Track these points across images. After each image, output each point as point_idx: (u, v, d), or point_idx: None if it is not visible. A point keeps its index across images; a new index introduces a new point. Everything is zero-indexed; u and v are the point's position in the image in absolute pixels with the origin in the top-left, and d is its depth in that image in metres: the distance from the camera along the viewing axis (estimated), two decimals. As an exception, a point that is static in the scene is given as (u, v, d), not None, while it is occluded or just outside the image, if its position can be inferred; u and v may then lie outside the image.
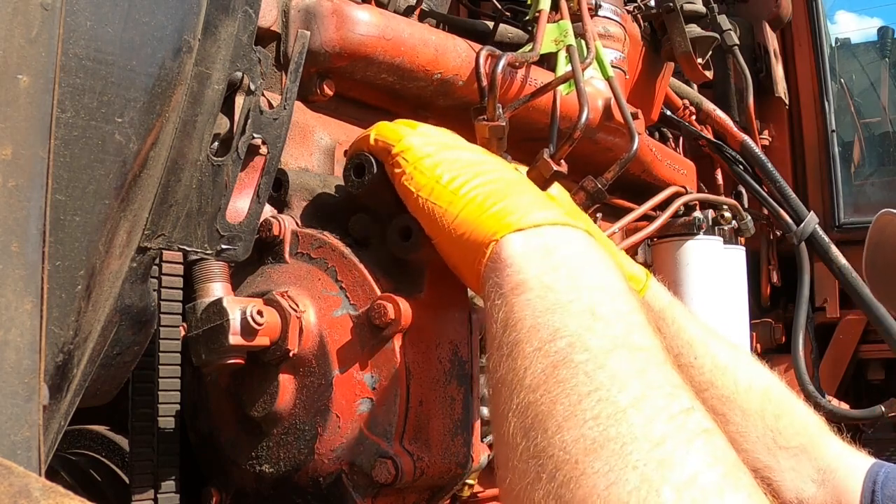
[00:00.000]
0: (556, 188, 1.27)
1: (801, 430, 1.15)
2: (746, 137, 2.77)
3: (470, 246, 0.83)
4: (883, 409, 2.57)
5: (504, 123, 1.26)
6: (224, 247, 0.83)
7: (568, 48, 1.47)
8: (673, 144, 2.60)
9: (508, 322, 0.75)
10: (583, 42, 1.54)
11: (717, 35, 2.29)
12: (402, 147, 0.90)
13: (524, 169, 1.22)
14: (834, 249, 2.68)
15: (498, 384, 0.74)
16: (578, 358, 0.69)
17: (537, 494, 0.64)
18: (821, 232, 2.72)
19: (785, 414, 1.16)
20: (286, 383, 0.99)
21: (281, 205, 1.06)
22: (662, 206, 1.98)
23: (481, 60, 1.32)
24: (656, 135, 2.47)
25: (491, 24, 1.69)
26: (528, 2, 1.62)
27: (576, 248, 0.80)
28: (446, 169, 0.87)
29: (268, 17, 1.13)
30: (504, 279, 0.78)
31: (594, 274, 0.77)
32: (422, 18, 1.50)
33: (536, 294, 0.75)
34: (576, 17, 1.57)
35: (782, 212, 2.73)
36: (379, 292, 0.96)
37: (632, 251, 1.94)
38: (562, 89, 1.46)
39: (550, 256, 0.78)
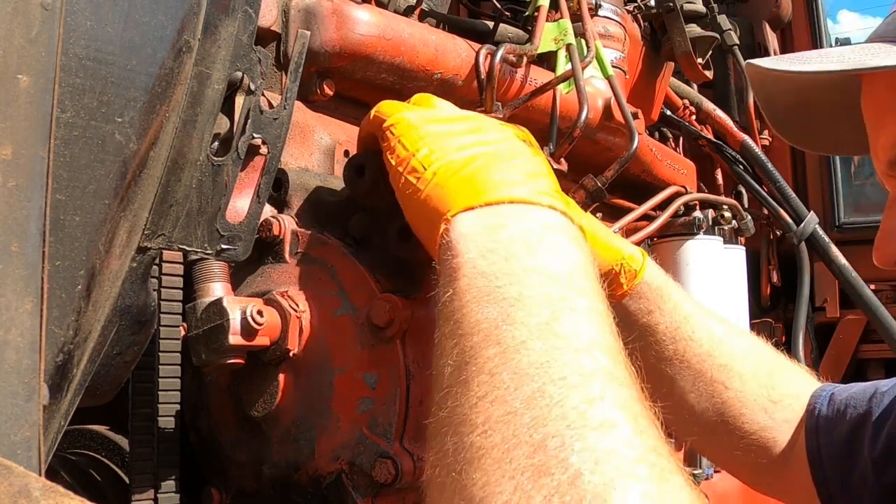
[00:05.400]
0: None
1: (792, 379, 1.18)
2: (746, 137, 2.77)
3: (430, 224, 0.79)
4: (883, 408, 2.56)
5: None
6: (224, 247, 0.83)
7: (568, 47, 1.47)
8: (673, 144, 2.60)
9: (441, 313, 0.71)
10: (582, 41, 1.54)
11: (717, 35, 2.29)
12: (393, 120, 0.87)
13: None
14: (834, 249, 2.68)
15: (432, 383, 0.71)
16: (487, 354, 0.64)
17: None
18: (821, 232, 2.72)
19: (776, 370, 1.18)
20: (286, 383, 0.99)
21: (281, 205, 1.06)
22: (662, 205, 1.97)
23: (481, 59, 1.32)
24: (656, 135, 2.47)
25: (491, 23, 1.69)
26: (528, 1, 1.62)
27: (528, 226, 0.74)
28: (429, 142, 0.83)
29: (268, 16, 1.13)
30: (444, 265, 0.74)
31: (536, 255, 0.71)
32: (422, 18, 1.50)
33: (467, 281, 0.70)
34: (576, 17, 1.57)
35: (782, 212, 2.73)
36: (379, 292, 0.96)
37: (632, 251, 1.94)
38: (561, 88, 1.46)
39: (493, 235, 0.73)
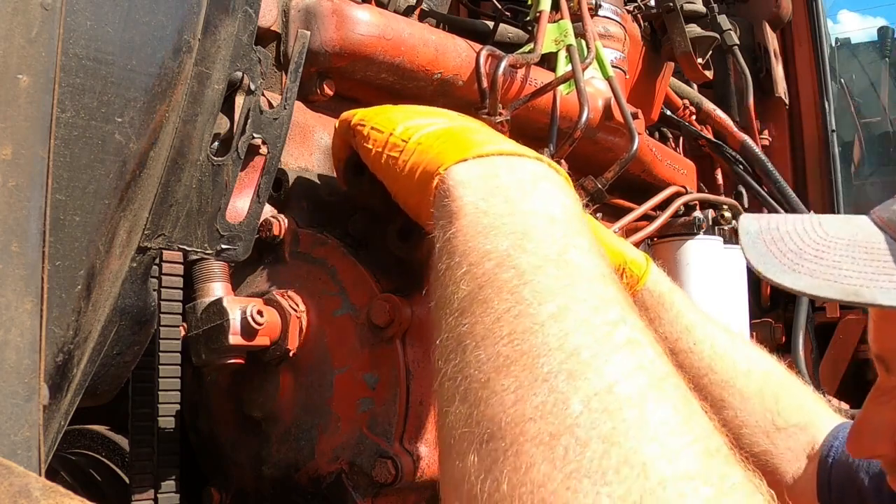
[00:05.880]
0: None
1: (800, 409, 1.14)
2: (746, 137, 2.77)
3: (421, 185, 0.81)
4: (883, 408, 2.56)
5: (501, 119, 1.26)
6: (224, 246, 0.83)
7: (568, 48, 1.47)
8: (673, 144, 2.60)
9: (443, 250, 0.73)
10: (583, 42, 1.54)
11: (717, 35, 2.29)
12: (360, 115, 0.91)
13: None
14: (834, 249, 2.67)
15: (433, 314, 0.72)
16: (504, 277, 0.66)
17: (451, 418, 0.61)
18: (821, 232, 2.71)
19: (784, 395, 1.14)
20: (286, 383, 0.99)
21: (281, 205, 1.06)
22: (662, 206, 1.97)
23: (481, 60, 1.32)
24: (656, 135, 2.47)
25: (491, 24, 1.69)
26: (529, 2, 1.62)
27: (520, 175, 0.77)
28: (400, 121, 0.87)
29: (268, 16, 1.13)
30: (442, 210, 0.76)
31: (533, 200, 0.74)
32: (422, 18, 1.50)
33: (469, 220, 0.72)
34: (576, 17, 1.57)
35: (782, 212, 2.73)
36: (379, 292, 0.96)
37: (632, 251, 1.93)
38: (562, 89, 1.46)
39: (489, 182, 0.76)
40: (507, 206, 0.73)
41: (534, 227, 0.70)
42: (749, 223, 0.85)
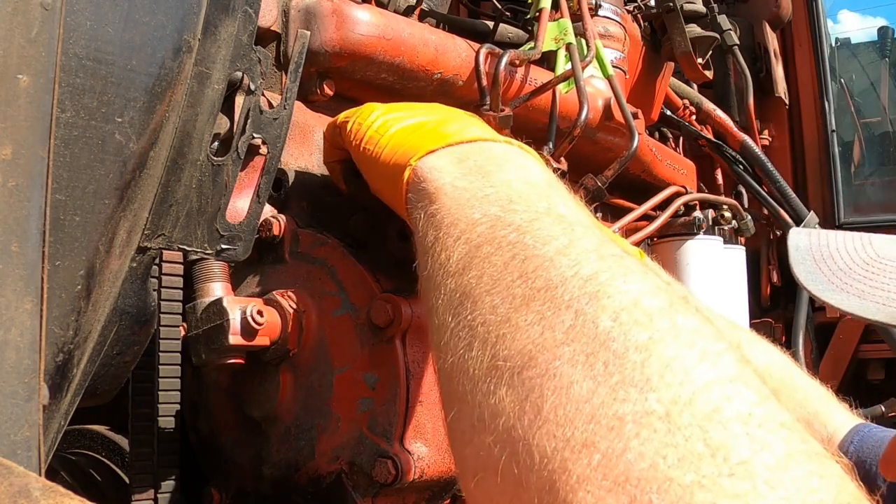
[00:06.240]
0: None
1: (804, 404, 1.13)
2: (746, 137, 2.77)
3: (394, 177, 0.83)
4: (883, 408, 2.56)
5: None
6: (224, 247, 0.83)
7: (568, 46, 1.47)
8: (673, 144, 2.60)
9: (428, 225, 0.74)
10: (583, 41, 1.54)
11: (717, 35, 2.29)
12: (345, 114, 0.95)
13: None
14: (834, 249, 2.67)
15: (426, 283, 0.73)
16: (501, 233, 0.67)
17: (472, 364, 0.61)
18: (821, 232, 2.71)
19: (785, 388, 1.13)
20: (286, 383, 0.99)
21: (281, 205, 1.06)
22: (662, 206, 1.97)
23: (481, 59, 1.32)
24: (656, 135, 2.47)
25: (491, 23, 1.69)
26: (529, 1, 1.62)
27: (490, 154, 0.79)
28: (381, 115, 0.90)
29: (268, 16, 1.13)
30: (420, 194, 0.78)
31: (510, 172, 0.75)
32: (422, 18, 1.50)
33: (450, 196, 0.74)
34: (576, 17, 1.57)
35: (782, 212, 2.73)
36: (379, 292, 0.96)
37: (632, 251, 1.93)
38: (561, 88, 1.46)
39: (462, 165, 0.77)
40: (486, 179, 0.74)
41: (517, 192, 0.72)
42: (798, 239, 0.84)
